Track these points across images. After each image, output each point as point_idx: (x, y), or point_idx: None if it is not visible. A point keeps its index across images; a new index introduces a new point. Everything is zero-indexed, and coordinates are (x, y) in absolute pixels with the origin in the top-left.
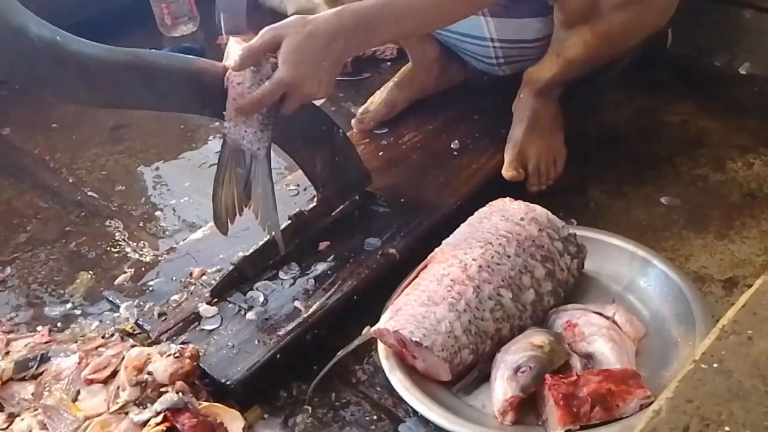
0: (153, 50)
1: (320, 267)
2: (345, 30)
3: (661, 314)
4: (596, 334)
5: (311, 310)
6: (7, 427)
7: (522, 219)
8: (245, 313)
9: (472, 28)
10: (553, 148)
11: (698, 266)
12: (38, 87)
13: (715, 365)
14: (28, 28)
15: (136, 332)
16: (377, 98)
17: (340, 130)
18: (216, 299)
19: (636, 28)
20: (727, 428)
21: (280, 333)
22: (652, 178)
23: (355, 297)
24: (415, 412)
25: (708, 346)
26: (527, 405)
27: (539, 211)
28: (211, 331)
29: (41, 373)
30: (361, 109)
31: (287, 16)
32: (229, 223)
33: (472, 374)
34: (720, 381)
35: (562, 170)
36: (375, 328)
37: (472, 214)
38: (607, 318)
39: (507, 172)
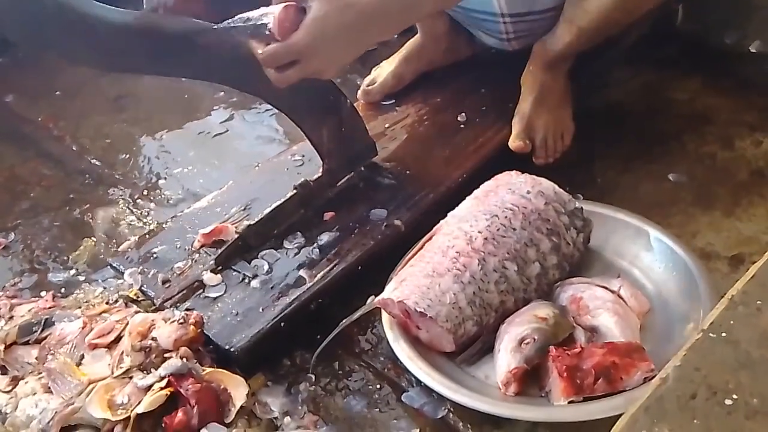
0: (163, 14)
1: (325, 237)
2: (384, 15)
3: (666, 290)
4: (601, 308)
5: (316, 279)
6: (11, 390)
7: (528, 192)
8: (249, 282)
9: (483, 3)
10: (561, 121)
11: (704, 243)
12: (47, 49)
13: (724, 335)
14: None
15: (140, 299)
16: (384, 70)
17: (347, 101)
18: (220, 267)
19: None
20: (734, 396)
21: (285, 301)
22: (660, 155)
23: (359, 267)
24: (419, 382)
25: (716, 316)
26: (530, 377)
27: (546, 184)
28: (215, 298)
29: (45, 338)
30: (367, 80)
31: None
32: None
33: (475, 345)
34: (728, 350)
35: (569, 144)
36: (379, 298)
37: (478, 187)
38: (612, 292)
39: (514, 142)
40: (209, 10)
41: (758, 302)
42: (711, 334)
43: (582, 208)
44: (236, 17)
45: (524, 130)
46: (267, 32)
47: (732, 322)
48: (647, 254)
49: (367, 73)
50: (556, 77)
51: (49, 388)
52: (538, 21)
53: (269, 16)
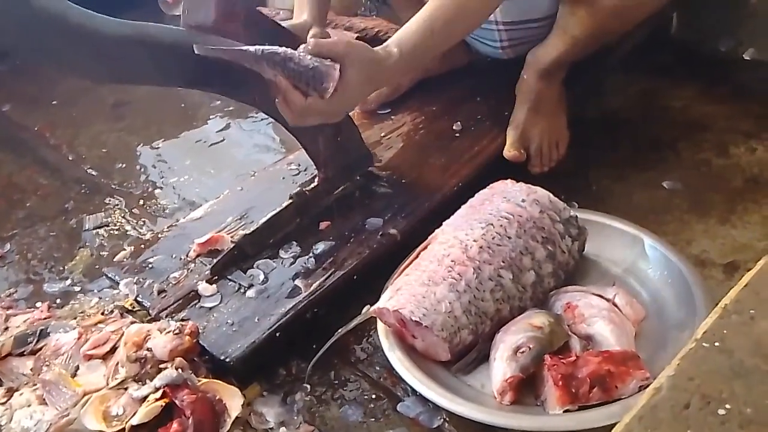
0: (159, 24)
1: (321, 246)
2: (404, 74)
3: (661, 297)
4: (596, 316)
5: (311, 289)
6: (6, 402)
7: (523, 201)
8: (245, 291)
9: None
10: (555, 130)
11: (699, 250)
12: (42, 59)
13: (717, 344)
14: None
15: (135, 309)
16: None
17: None
18: (216, 277)
19: (641, 3)
20: (728, 406)
21: (280, 311)
22: (654, 162)
23: (355, 276)
24: (414, 392)
25: (710, 325)
26: (526, 385)
27: (541, 192)
28: (210, 308)
29: (40, 349)
30: None
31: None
32: None
33: (471, 354)
34: (721, 359)
35: (564, 153)
36: (375, 307)
37: (474, 196)
38: (608, 300)
39: (509, 152)
40: (247, 32)
41: (751, 311)
42: (704, 344)
43: (577, 216)
44: (281, 50)
45: (519, 139)
46: (322, 85)
47: (725, 331)
48: (642, 262)
49: None
50: (551, 86)
51: (44, 399)
52: (532, 29)
53: (320, 69)
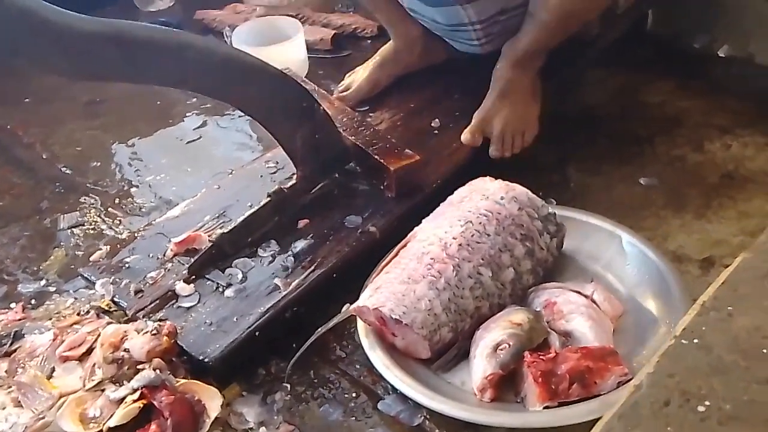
0: (133, 21)
1: (300, 244)
2: None
3: (638, 293)
4: (575, 312)
5: (290, 288)
6: None
7: (502, 198)
8: (224, 291)
9: (451, 17)
10: (523, 119)
11: (676, 246)
12: (13, 56)
13: (696, 341)
14: None
15: (112, 309)
16: (359, 76)
17: (321, 107)
18: (194, 276)
19: None
20: (707, 402)
21: (259, 310)
22: (631, 158)
23: (334, 275)
24: (395, 390)
25: (689, 322)
26: (506, 382)
27: (519, 190)
28: (189, 308)
29: (15, 350)
30: (341, 86)
31: None
32: None
33: (451, 352)
34: (700, 356)
35: (530, 143)
36: (355, 305)
37: (452, 193)
38: (586, 296)
39: (464, 135)
40: None
41: (729, 308)
42: (683, 341)
43: (555, 213)
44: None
45: (479, 123)
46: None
47: (704, 328)
48: (620, 258)
49: (340, 78)
50: (523, 74)
51: (20, 401)
52: (509, 20)
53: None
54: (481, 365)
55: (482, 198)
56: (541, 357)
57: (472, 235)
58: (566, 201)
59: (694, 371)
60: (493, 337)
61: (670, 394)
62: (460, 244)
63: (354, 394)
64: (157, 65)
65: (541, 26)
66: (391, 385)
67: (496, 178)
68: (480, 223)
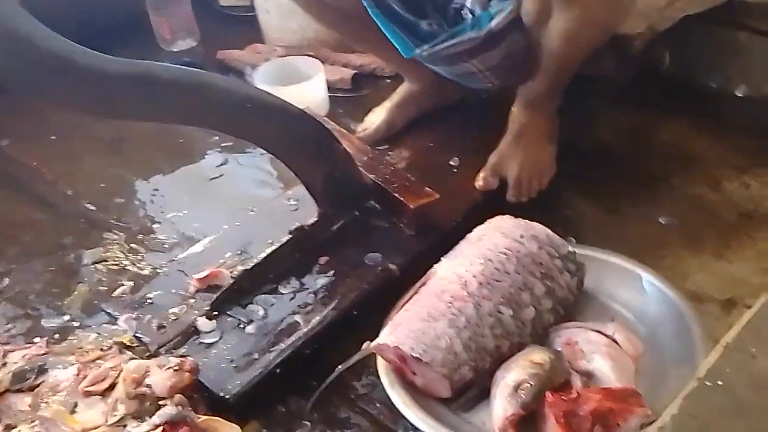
0: (157, 62)
1: (320, 281)
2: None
3: (659, 333)
4: (596, 352)
5: (311, 325)
6: None
7: (521, 236)
8: (244, 327)
9: (458, 70)
10: (539, 161)
11: (696, 286)
12: (40, 96)
13: (720, 382)
14: (33, 37)
15: (134, 345)
16: (375, 116)
17: (341, 145)
18: (215, 312)
19: (588, 28)
20: None
21: (280, 347)
22: (648, 197)
23: (354, 312)
24: (415, 429)
25: (712, 364)
26: (527, 423)
27: (538, 228)
28: (210, 344)
29: (38, 385)
30: (360, 127)
31: None
32: None
33: (471, 391)
34: (724, 398)
35: (547, 184)
36: (375, 343)
37: (471, 231)
38: (607, 336)
39: (478, 181)
40: None
41: (753, 349)
42: (707, 382)
43: (575, 252)
44: None
45: (493, 167)
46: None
47: (727, 369)
48: (640, 297)
49: (359, 117)
50: (539, 116)
51: None
52: (516, 61)
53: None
54: (501, 405)
55: (501, 236)
56: (562, 397)
57: (492, 274)
58: (583, 239)
59: (717, 413)
60: (514, 377)
61: None
62: (480, 282)
63: None
64: (180, 105)
65: (543, 72)
66: (411, 424)
67: (514, 216)
68: (500, 261)
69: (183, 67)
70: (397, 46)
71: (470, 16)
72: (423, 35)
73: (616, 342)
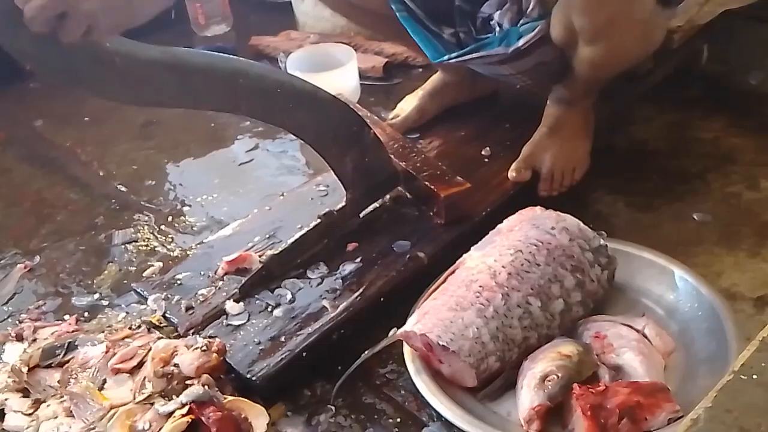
0: (189, 49)
1: (348, 267)
2: None
3: (690, 330)
4: (625, 347)
5: (338, 310)
6: (32, 413)
7: (553, 228)
8: (272, 311)
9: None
10: (573, 156)
11: (729, 283)
12: (73, 83)
13: (755, 377)
14: None
15: (162, 325)
16: (407, 104)
17: (371, 131)
18: (244, 296)
19: (616, 58)
20: None
21: (307, 331)
22: (683, 194)
23: (381, 299)
24: (439, 417)
25: (747, 358)
26: (553, 415)
27: (570, 221)
28: (237, 326)
29: (68, 361)
30: (391, 114)
31: None
32: None
33: (498, 381)
34: (760, 393)
35: (579, 178)
36: (402, 330)
37: (502, 222)
38: (637, 331)
39: (511, 172)
40: None
41: None
42: (742, 376)
43: (606, 245)
44: None
45: (526, 159)
46: None
47: (763, 364)
48: (672, 293)
49: (391, 106)
50: (573, 111)
51: (71, 411)
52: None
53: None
54: (528, 396)
55: (532, 227)
56: (590, 390)
57: (522, 265)
58: (617, 234)
59: (752, 407)
60: (541, 368)
61: (728, 430)
62: (509, 273)
63: (398, 420)
64: (212, 92)
65: (586, 68)
66: (437, 412)
67: (546, 209)
68: (530, 252)
69: (214, 53)
70: (426, 51)
71: (498, 28)
72: (446, 44)
73: (646, 337)
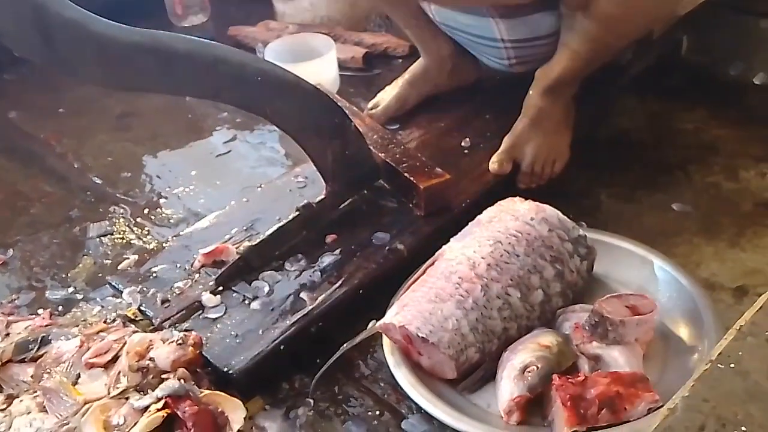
0: (171, 33)
1: (327, 259)
2: None
3: (669, 320)
4: None
5: (316, 302)
6: (5, 408)
7: (532, 219)
8: (250, 303)
9: (483, 29)
10: (554, 148)
11: (709, 273)
12: (54, 65)
13: (732, 365)
14: (48, 4)
15: (138, 318)
16: (387, 94)
17: (352, 123)
18: (221, 288)
19: (633, 14)
20: (743, 428)
21: (285, 324)
22: (664, 184)
23: (361, 291)
24: (419, 409)
25: (725, 347)
26: (533, 405)
27: (549, 211)
28: (215, 319)
29: (41, 356)
30: (370, 104)
31: None
32: None
33: (477, 373)
34: (737, 381)
35: (560, 171)
36: (381, 322)
37: (481, 213)
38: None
39: (492, 164)
40: None
41: (767, 333)
42: (719, 365)
43: (585, 235)
44: None
45: (508, 151)
46: None
47: (741, 353)
48: (651, 283)
49: (371, 97)
50: (556, 102)
51: (44, 407)
52: (540, 47)
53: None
54: (508, 387)
55: (512, 218)
56: (570, 381)
57: (501, 256)
58: (597, 225)
59: (730, 396)
60: (521, 359)
61: (705, 420)
62: (488, 264)
63: (378, 413)
64: (193, 77)
65: (573, 55)
66: (416, 405)
67: (526, 200)
68: (509, 243)
69: (196, 38)
70: None
71: None
72: None
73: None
